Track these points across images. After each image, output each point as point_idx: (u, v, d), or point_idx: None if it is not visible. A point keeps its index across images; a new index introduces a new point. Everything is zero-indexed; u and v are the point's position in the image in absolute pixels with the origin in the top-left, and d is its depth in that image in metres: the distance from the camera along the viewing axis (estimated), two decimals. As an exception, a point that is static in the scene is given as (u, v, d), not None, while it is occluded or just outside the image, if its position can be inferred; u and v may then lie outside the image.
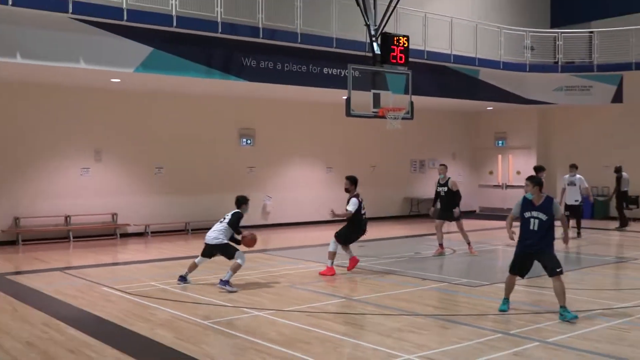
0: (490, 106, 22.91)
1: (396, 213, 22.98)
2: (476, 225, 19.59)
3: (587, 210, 22.23)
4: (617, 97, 21.50)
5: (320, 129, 21.10)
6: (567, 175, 16.92)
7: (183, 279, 10.28)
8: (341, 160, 21.55)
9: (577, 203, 16.31)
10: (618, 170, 19.87)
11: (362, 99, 13.96)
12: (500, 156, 25.22)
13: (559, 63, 21.66)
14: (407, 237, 17.38)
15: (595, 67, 21.45)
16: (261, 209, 19.96)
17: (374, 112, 14.29)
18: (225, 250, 9.90)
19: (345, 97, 13.85)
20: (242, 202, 10.19)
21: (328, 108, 20.73)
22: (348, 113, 13.82)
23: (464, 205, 26.96)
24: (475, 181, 25.41)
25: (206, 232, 10.21)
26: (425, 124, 23.52)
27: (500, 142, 25.04)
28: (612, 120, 22.27)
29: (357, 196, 11.25)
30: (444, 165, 13.94)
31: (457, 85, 20.06)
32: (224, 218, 10.12)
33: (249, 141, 19.71)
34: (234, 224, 9.93)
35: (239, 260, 9.80)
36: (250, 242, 9.98)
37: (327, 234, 17.46)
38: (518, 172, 24.33)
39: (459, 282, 10.23)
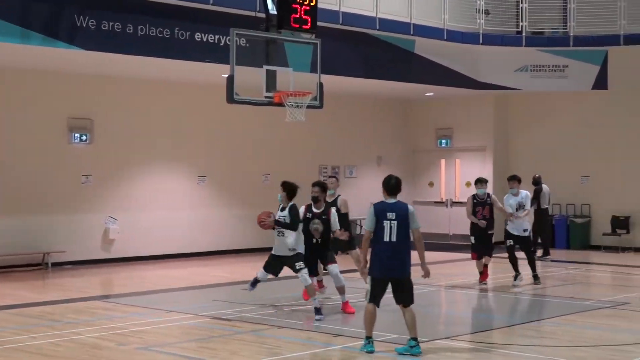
0: (430, 91, 23.52)
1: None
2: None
3: (560, 238, 23.21)
4: (600, 82, 22.58)
5: (189, 121, 21.01)
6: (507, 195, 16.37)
7: None
8: (220, 167, 21.53)
9: (526, 234, 15.97)
10: (537, 181, 21.20)
11: (251, 78, 14.00)
12: (443, 161, 25.92)
13: (523, 33, 22.51)
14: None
15: (571, 39, 22.44)
16: (101, 237, 19.66)
17: (267, 97, 14.30)
18: None
19: (227, 76, 13.84)
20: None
21: (202, 91, 20.71)
22: (230, 98, 13.78)
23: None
24: (409, 196, 25.95)
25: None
26: (340, 115, 23.86)
27: (443, 141, 25.74)
28: (593, 113, 23.35)
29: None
30: (334, 177, 14.49)
31: (384, 62, 20.48)
32: None
33: (83, 137, 19.38)
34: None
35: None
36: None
37: (199, 271, 17.41)
38: (468, 184, 25.06)
39: (386, 338, 10.41)
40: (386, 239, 9.42)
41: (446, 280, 16.74)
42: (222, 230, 21.51)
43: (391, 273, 9.51)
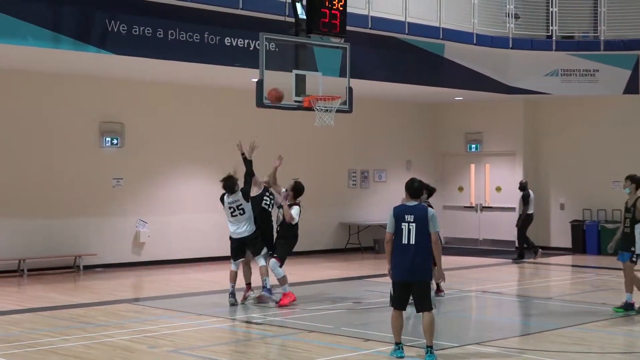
0: (459, 96, 23.45)
1: (328, 245, 23.10)
2: (447, 263, 19.94)
3: (592, 244, 23.02)
4: (632, 86, 22.37)
5: (219, 125, 21.05)
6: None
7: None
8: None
9: None
10: (524, 187, 21.67)
11: (281, 82, 14.02)
12: (473, 166, 25.82)
13: (553, 38, 22.38)
14: (343, 279, 17.51)
15: (602, 43, 22.27)
16: (132, 240, 19.74)
17: (296, 101, 14.31)
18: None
19: (256, 80, 13.84)
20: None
21: (231, 95, 20.73)
22: (260, 102, 13.80)
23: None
24: (439, 201, 25.83)
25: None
26: (370, 119, 23.83)
27: (473, 146, 25.64)
28: (624, 117, 23.16)
29: (299, 204, 13.65)
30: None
31: (413, 66, 20.44)
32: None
33: (114, 141, 19.48)
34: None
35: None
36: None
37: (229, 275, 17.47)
38: (498, 189, 24.96)
39: (415, 342, 10.39)
40: (404, 241, 9.39)
41: (477, 285, 16.66)
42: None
43: (408, 276, 9.43)
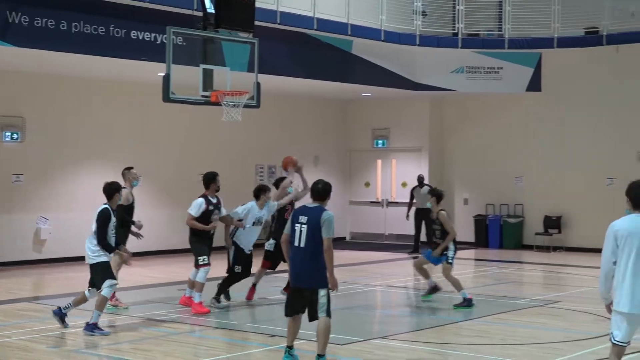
0: (367, 92, 23.66)
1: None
2: (346, 258, 20.15)
3: (494, 238, 23.57)
4: (534, 84, 22.98)
5: (124, 119, 20.80)
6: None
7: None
8: (155, 166, 21.34)
9: None
10: (421, 181, 22.49)
11: (188, 77, 13.94)
12: (380, 161, 26.10)
13: (459, 35, 22.79)
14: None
15: (506, 42, 22.78)
16: (33, 237, 19.36)
17: (204, 96, 14.27)
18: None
19: (163, 74, 13.75)
20: None
21: (138, 89, 20.52)
22: (166, 97, 13.73)
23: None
24: (345, 196, 26.11)
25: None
26: (277, 115, 23.86)
27: (380, 141, 25.92)
28: (526, 114, 23.73)
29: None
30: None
31: (321, 62, 20.54)
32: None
33: (14, 135, 19.07)
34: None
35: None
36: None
37: (132, 271, 17.30)
38: (404, 184, 25.28)
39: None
40: (296, 243, 8.82)
41: (382, 280, 16.86)
42: (156, 231, 21.26)
43: (295, 281, 8.95)
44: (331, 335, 10.36)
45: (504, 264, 20.01)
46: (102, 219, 11.29)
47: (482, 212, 24.19)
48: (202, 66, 14.30)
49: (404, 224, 23.58)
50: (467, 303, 13.19)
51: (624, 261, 7.06)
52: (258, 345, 10.32)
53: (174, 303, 13.30)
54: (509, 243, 23.42)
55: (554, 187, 22.94)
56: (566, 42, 22.44)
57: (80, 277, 17.03)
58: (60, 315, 11.12)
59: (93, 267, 11.06)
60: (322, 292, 8.73)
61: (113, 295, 12.99)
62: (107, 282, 10.91)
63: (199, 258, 12.53)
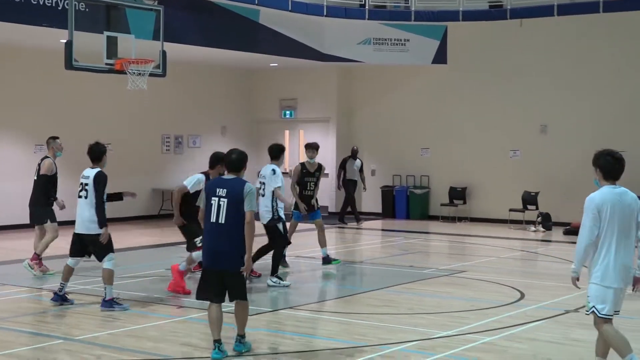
0: (274, 62, 23.56)
1: (140, 212, 22.81)
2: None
3: (401, 209, 23.85)
4: (440, 56, 23.22)
5: (26, 87, 20.28)
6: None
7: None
8: (59, 134, 20.73)
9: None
10: (354, 154, 22.74)
11: (91, 44, 13.66)
12: (288, 132, 26.07)
13: (367, 7, 22.87)
14: (156, 246, 17.36)
15: (413, 14, 22.96)
16: None
17: (108, 64, 14.08)
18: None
19: (65, 41, 13.45)
20: None
21: (39, 56, 20.04)
22: (69, 64, 13.51)
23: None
24: (253, 167, 25.94)
25: None
26: (184, 84, 23.59)
27: (288, 112, 25.88)
28: (432, 86, 23.99)
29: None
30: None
31: (228, 31, 20.34)
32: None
33: None
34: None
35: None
36: None
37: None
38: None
39: (229, 309, 10.41)
40: (212, 219, 8.11)
41: (291, 251, 16.85)
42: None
43: (217, 263, 8.14)
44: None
45: (411, 234, 20.27)
46: (104, 182, 10.63)
47: (389, 183, 24.42)
48: (106, 33, 14.08)
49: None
50: (327, 260, 13.92)
51: (609, 235, 6.97)
52: (165, 317, 10.21)
53: (77, 275, 13.06)
54: (415, 214, 23.71)
55: (460, 158, 23.30)
56: (471, 15, 22.79)
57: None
58: (61, 298, 10.78)
59: (94, 237, 10.61)
60: (240, 274, 8.14)
61: (40, 263, 12.82)
62: (110, 255, 10.59)
63: (196, 240, 11.56)
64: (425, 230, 21.23)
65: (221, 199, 8.08)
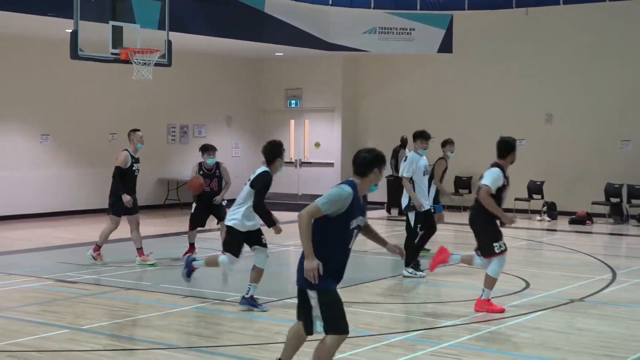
0: (280, 52, 23.52)
1: (147, 202, 22.81)
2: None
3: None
4: (446, 46, 23.13)
5: (32, 77, 20.27)
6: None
7: None
8: (64, 125, 20.91)
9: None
10: (404, 143, 22.13)
11: (97, 34, 13.65)
12: (293, 122, 26.05)
13: (372, -4, 22.85)
14: (162, 235, 17.37)
15: (418, 3, 22.88)
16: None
17: (113, 54, 14.07)
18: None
19: (71, 31, 13.43)
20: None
21: (45, 46, 20.02)
22: (75, 54, 13.49)
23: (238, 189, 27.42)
24: (258, 156, 25.94)
25: None
26: (189, 74, 23.57)
27: (293, 102, 25.85)
28: (438, 75, 23.94)
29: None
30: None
31: (234, 21, 20.31)
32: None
33: None
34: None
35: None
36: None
37: (42, 232, 16.97)
38: (317, 145, 25.31)
39: (236, 298, 10.44)
40: (350, 245, 6.72)
41: (295, 240, 16.86)
42: (66, 191, 20.94)
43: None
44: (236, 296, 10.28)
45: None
46: (265, 182, 10.29)
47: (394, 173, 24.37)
48: (112, 23, 14.06)
49: (317, 184, 23.64)
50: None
51: None
52: (171, 306, 10.23)
53: (82, 264, 13.09)
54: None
55: (465, 148, 23.14)
56: (477, 4, 22.72)
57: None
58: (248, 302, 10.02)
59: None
60: (311, 294, 6.39)
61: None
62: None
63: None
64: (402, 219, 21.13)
65: (355, 231, 6.62)
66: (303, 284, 6.34)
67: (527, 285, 11.81)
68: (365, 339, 8.63)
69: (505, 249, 10.00)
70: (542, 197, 21.40)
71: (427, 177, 12.91)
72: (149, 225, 19.13)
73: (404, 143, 22.09)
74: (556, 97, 22.03)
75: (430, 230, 13.39)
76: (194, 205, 13.99)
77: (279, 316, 9.76)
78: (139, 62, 14.11)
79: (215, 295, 10.88)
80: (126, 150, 13.31)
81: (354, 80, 25.28)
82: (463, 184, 23.24)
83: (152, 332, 8.91)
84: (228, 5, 19.96)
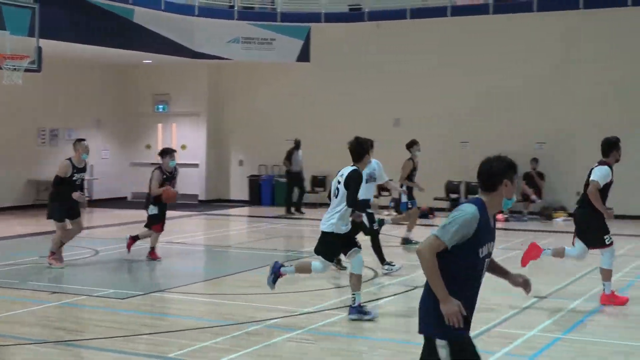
0: (148, 59, 23.25)
1: (14, 202, 22.12)
2: (129, 217, 19.82)
3: (266, 196, 23.99)
4: (304, 55, 23.45)
5: None
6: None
7: None
8: None
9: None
10: (298, 145, 22.05)
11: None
12: (161, 125, 25.78)
13: (235, 8, 22.86)
14: (29, 235, 16.96)
15: (279, 15, 23.09)
16: None
17: (-18, 59, 13.64)
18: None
19: (-61, 36, 12.95)
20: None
21: None
22: (-58, 59, 12.98)
23: (112, 190, 26.93)
24: (126, 158, 25.60)
25: None
26: (60, 79, 22.98)
27: (161, 106, 25.59)
28: (297, 83, 24.18)
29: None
30: None
31: (103, 29, 19.97)
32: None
33: None
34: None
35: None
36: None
37: None
38: (183, 147, 25.12)
39: (103, 293, 10.29)
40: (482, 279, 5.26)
41: (163, 237, 16.71)
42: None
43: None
44: (111, 291, 10.22)
45: (275, 220, 20.39)
46: (357, 180, 9.55)
47: (256, 172, 24.51)
48: (-19, 29, 13.61)
49: (185, 184, 23.43)
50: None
51: None
52: (38, 302, 9.98)
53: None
54: (280, 201, 23.82)
55: (320, 149, 23.52)
56: (332, 17, 23.16)
57: None
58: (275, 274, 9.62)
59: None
60: (440, 343, 4.95)
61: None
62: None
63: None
64: (289, 217, 21.39)
65: (486, 261, 5.10)
66: (431, 331, 4.97)
67: (376, 275, 12.06)
68: (227, 327, 8.67)
69: (613, 241, 10.02)
70: (390, 194, 21.92)
71: (370, 183, 12.63)
72: (18, 226, 18.59)
73: (297, 145, 22.14)
74: (404, 102, 22.61)
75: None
76: (151, 206, 13.33)
77: (143, 309, 9.69)
78: (9, 68, 13.75)
79: (81, 291, 10.68)
80: (69, 159, 12.59)
81: (219, 87, 25.23)
82: (319, 182, 23.56)
83: (20, 328, 8.69)
84: (98, 14, 19.62)
